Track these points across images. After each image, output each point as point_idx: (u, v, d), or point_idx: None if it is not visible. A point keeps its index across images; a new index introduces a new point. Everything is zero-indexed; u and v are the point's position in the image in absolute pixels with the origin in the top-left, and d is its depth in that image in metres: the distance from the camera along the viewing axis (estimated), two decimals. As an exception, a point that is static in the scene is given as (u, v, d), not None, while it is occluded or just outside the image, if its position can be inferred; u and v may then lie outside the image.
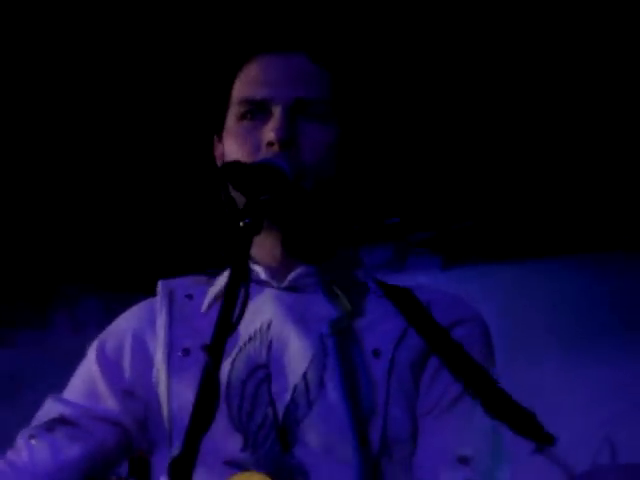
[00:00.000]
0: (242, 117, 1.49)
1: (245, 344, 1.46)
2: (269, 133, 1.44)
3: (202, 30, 3.03)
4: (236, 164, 1.39)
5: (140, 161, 3.81)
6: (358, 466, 1.38)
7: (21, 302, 4.50)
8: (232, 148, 1.49)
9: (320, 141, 1.47)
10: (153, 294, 1.60)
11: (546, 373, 3.57)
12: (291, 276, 1.50)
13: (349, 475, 1.38)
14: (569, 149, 3.66)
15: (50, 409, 1.55)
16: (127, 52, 3.21)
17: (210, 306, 1.53)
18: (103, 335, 1.59)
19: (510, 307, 3.63)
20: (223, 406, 1.42)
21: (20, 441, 1.53)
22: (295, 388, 1.42)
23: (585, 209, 3.94)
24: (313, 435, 1.39)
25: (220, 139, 1.56)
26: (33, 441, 1.51)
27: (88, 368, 1.57)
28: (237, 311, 1.20)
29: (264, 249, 1.51)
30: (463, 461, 1.40)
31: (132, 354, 1.54)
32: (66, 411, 1.53)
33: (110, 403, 1.53)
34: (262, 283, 1.50)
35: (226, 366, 1.44)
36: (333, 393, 1.41)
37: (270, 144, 1.44)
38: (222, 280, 1.55)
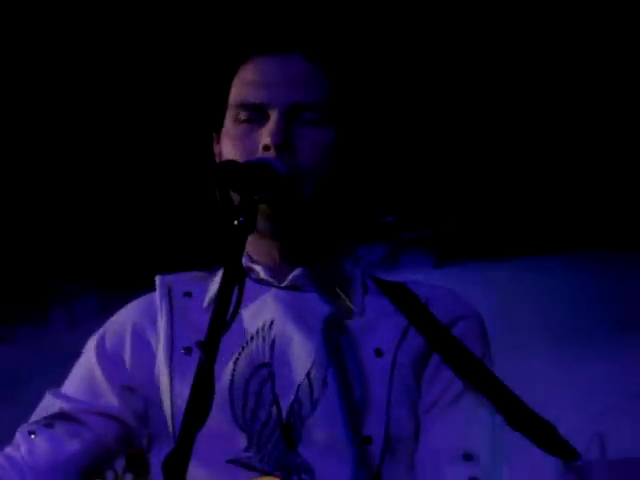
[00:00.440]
0: (238, 120, 1.50)
1: (247, 343, 1.47)
2: (265, 137, 1.45)
3: (197, 32, 3.04)
4: (230, 163, 1.40)
5: (140, 159, 3.82)
6: (361, 464, 1.40)
7: (20, 299, 4.50)
8: (229, 150, 1.50)
9: (316, 143, 1.47)
10: (152, 292, 1.60)
11: (539, 370, 3.58)
12: (291, 275, 1.51)
13: (352, 473, 1.39)
14: (565, 145, 3.65)
15: (50, 404, 1.55)
16: (126, 51, 3.22)
17: (210, 304, 1.53)
18: (102, 330, 1.59)
19: (504, 304, 3.63)
20: (226, 405, 1.43)
21: (19, 436, 1.52)
22: (299, 387, 1.43)
23: (580, 206, 3.94)
24: (317, 434, 1.41)
25: (219, 137, 1.57)
26: (32, 436, 1.50)
27: (87, 363, 1.57)
28: (231, 309, 1.22)
29: (262, 249, 1.52)
30: (468, 458, 1.42)
31: (132, 349, 1.54)
32: (66, 406, 1.53)
33: (110, 398, 1.52)
34: (263, 282, 1.51)
35: (229, 365, 1.45)
36: (337, 392, 1.42)
37: (266, 148, 1.45)
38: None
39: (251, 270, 1.52)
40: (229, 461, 1.41)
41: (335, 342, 1.45)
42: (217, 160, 1.58)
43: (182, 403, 1.40)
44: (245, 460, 1.41)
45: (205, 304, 1.54)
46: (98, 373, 1.54)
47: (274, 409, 1.43)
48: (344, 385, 1.42)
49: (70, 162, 3.83)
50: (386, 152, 3.45)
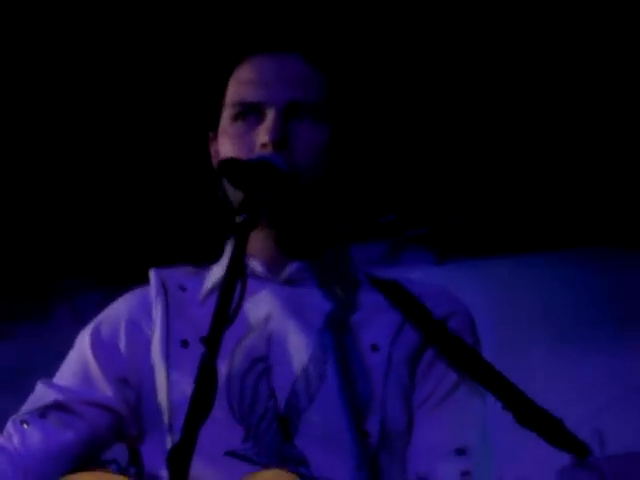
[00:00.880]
0: (236, 118, 1.52)
1: (244, 337, 1.48)
2: (263, 135, 1.47)
3: (194, 31, 3.04)
4: (233, 161, 1.42)
5: (141, 155, 3.83)
6: (357, 457, 1.41)
7: (21, 295, 4.50)
8: (226, 148, 1.52)
9: (313, 142, 1.49)
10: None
11: (539, 365, 3.58)
12: (288, 270, 1.52)
13: (349, 466, 1.41)
14: (564, 142, 3.65)
15: (42, 395, 1.55)
16: (123, 50, 3.22)
17: (206, 298, 1.54)
18: (96, 321, 1.60)
19: (505, 301, 3.64)
20: (224, 398, 1.44)
21: (11, 426, 1.52)
22: (296, 380, 1.45)
23: (581, 203, 3.94)
24: (314, 427, 1.42)
25: (215, 136, 1.58)
26: (25, 426, 1.51)
27: (81, 353, 1.57)
28: (234, 304, 1.23)
29: (258, 244, 1.53)
30: (460, 453, 1.43)
31: (127, 340, 1.55)
32: (59, 397, 1.53)
33: (104, 389, 1.53)
34: (259, 277, 1.52)
35: (226, 359, 1.46)
36: (333, 386, 1.43)
37: (264, 145, 1.46)
38: (217, 271, 1.56)
39: (247, 265, 1.53)
40: (227, 453, 1.42)
41: (332, 337, 1.47)
42: (213, 159, 1.59)
43: (179, 395, 1.44)
44: (242, 452, 1.42)
45: (201, 298, 1.55)
46: (93, 364, 1.55)
47: (271, 402, 1.44)
48: (341, 379, 1.43)
49: (72, 159, 3.84)
50: (386, 150, 3.46)
